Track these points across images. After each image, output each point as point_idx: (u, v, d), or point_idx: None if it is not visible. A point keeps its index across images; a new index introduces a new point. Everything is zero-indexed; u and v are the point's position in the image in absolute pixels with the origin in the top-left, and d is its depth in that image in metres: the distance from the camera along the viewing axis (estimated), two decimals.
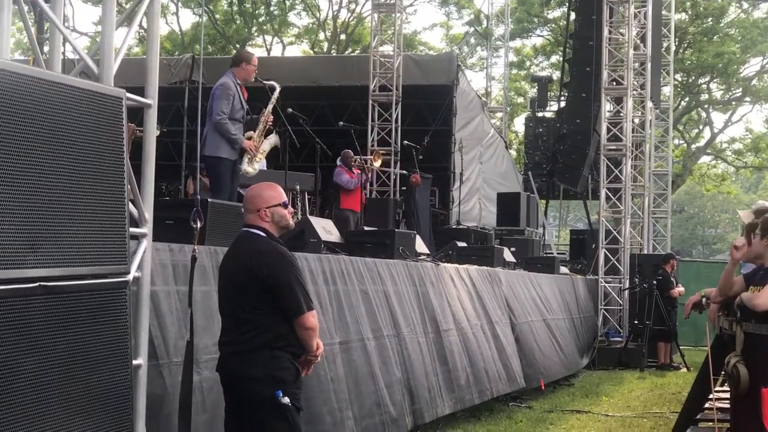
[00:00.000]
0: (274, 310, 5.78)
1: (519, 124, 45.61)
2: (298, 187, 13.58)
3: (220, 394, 6.08)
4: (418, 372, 10.30)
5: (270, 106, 11.19)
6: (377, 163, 16.89)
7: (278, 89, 11.27)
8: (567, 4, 31.16)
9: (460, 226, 20.57)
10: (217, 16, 43.04)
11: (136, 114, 6.31)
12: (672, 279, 20.33)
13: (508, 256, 16.34)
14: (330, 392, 8.31)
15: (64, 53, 6.44)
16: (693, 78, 44.05)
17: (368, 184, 16.70)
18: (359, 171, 16.04)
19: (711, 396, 8.34)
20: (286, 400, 5.69)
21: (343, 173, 15.97)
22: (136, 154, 6.21)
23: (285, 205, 6.09)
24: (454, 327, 11.78)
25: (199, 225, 6.48)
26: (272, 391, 5.68)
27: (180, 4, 42.97)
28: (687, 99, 44.89)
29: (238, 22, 43.53)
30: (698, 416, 9.05)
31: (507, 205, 22.80)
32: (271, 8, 44.00)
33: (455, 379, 11.27)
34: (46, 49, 6.53)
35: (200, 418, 6.53)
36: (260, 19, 44.42)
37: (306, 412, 7.62)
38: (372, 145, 21.08)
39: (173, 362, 6.40)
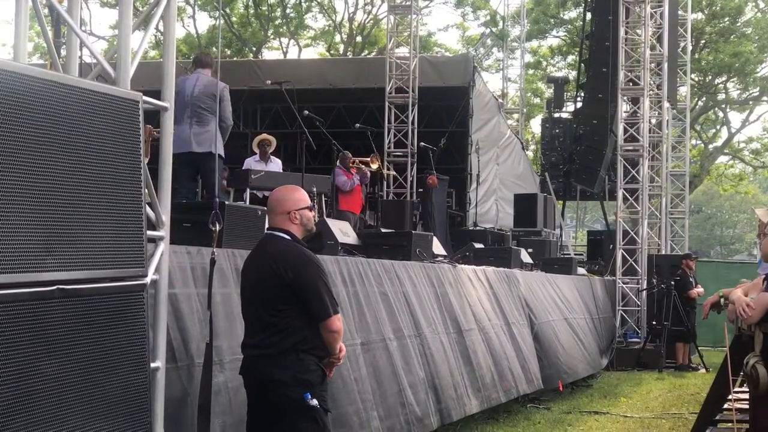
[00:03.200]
0: (300, 313, 5.79)
1: (535, 125, 45.67)
2: (314, 189, 13.56)
3: (245, 395, 6.09)
4: (442, 371, 10.28)
5: None
6: (374, 166, 16.80)
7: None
8: (583, 4, 31.14)
9: (477, 228, 20.54)
10: (234, 18, 43.09)
11: (153, 117, 6.31)
12: (690, 279, 20.29)
13: (525, 257, 16.30)
14: (355, 393, 8.31)
15: (81, 57, 6.45)
16: (710, 78, 43.92)
17: (364, 185, 16.54)
18: (356, 172, 15.95)
19: (730, 397, 8.32)
20: (315, 402, 5.72)
21: (341, 174, 15.89)
22: (154, 157, 6.21)
23: (311, 209, 6.12)
24: (476, 327, 11.76)
25: (217, 228, 6.49)
26: (300, 393, 5.69)
27: (196, 7, 43.09)
28: (704, 99, 44.77)
29: (254, 24, 43.59)
30: (717, 417, 9.02)
31: (524, 206, 22.75)
32: (288, 11, 44.04)
33: (480, 378, 11.24)
34: (63, 53, 6.56)
35: (227, 420, 6.52)
36: (276, 22, 44.46)
37: (333, 413, 7.64)
38: (388, 147, 21.10)
39: (196, 364, 6.39)
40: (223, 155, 10.78)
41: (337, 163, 16.07)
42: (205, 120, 10.58)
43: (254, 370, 5.87)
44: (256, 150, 15.06)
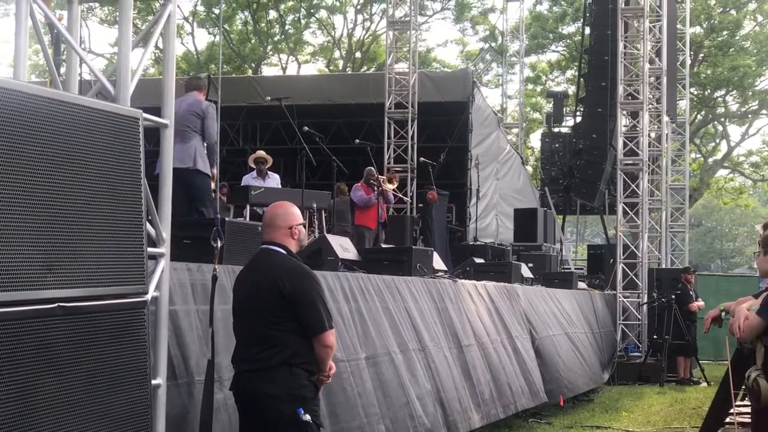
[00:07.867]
0: (295, 328, 5.80)
1: (535, 140, 45.67)
2: (314, 205, 13.57)
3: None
4: (447, 384, 10.29)
5: None
6: (392, 185, 16.77)
7: None
8: (582, 19, 31.19)
9: (478, 243, 20.54)
10: (233, 35, 43.18)
11: (153, 134, 6.32)
12: (691, 293, 20.27)
13: (525, 271, 16.30)
14: (358, 407, 8.29)
15: (80, 75, 6.46)
16: (709, 91, 43.95)
17: (385, 204, 16.47)
18: (374, 190, 15.90)
19: (732, 410, 8.30)
20: (308, 417, 5.71)
21: (360, 190, 15.95)
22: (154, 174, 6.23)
23: (304, 225, 6.16)
24: (474, 342, 11.75)
25: (219, 244, 6.49)
26: (293, 408, 5.69)
27: (195, 24, 43.17)
28: (703, 112, 44.81)
29: (253, 41, 43.68)
30: (719, 431, 9.00)
31: (524, 220, 22.78)
32: (286, 27, 44.13)
33: (480, 393, 11.24)
34: (62, 70, 6.57)
35: None
36: (275, 38, 44.54)
37: (335, 428, 7.62)
38: (388, 162, 21.12)
39: (196, 381, 6.38)
40: (210, 173, 10.86)
41: (361, 181, 16.04)
42: (188, 137, 10.62)
43: (247, 385, 5.86)
44: (253, 166, 15.11)
